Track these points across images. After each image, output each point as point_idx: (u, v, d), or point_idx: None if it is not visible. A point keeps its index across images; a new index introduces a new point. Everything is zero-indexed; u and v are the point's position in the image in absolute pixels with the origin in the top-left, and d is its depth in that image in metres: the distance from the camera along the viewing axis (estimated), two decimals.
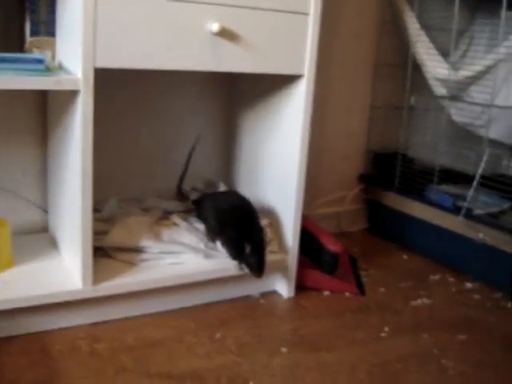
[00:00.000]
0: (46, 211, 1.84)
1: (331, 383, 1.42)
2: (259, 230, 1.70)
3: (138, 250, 1.68)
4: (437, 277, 2.10)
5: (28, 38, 1.56)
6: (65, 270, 1.60)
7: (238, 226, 1.68)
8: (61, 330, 1.53)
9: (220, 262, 1.71)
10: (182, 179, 2.00)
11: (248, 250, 1.64)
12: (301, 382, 1.42)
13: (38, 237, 1.81)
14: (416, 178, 2.23)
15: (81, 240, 1.47)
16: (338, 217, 2.49)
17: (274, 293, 1.86)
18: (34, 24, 1.57)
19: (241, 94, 2.03)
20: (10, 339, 1.47)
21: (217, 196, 1.88)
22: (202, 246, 1.74)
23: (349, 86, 2.39)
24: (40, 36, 1.57)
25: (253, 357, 1.50)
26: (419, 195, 2.24)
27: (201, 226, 1.81)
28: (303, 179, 1.76)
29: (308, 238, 1.91)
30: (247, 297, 1.80)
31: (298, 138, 1.73)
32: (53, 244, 1.76)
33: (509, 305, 1.91)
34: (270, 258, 1.72)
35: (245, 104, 2.00)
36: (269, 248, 1.80)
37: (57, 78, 1.38)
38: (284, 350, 1.55)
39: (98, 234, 1.65)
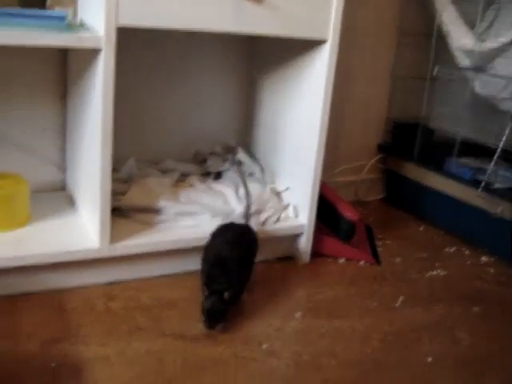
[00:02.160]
0: (64, 169, 1.84)
1: (343, 349, 1.43)
2: (233, 277, 1.45)
3: (155, 211, 1.69)
4: (453, 249, 2.09)
5: None
6: (82, 228, 1.61)
7: (213, 266, 1.47)
8: (77, 288, 1.55)
9: None
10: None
11: (206, 293, 1.42)
12: (313, 346, 1.43)
13: (56, 195, 1.82)
14: (436, 150, 2.21)
15: (99, 199, 1.48)
16: (356, 185, 2.48)
17: (290, 258, 1.86)
18: None
19: (263, 58, 2.01)
20: (26, 295, 1.48)
21: (223, 230, 1.60)
22: (219, 205, 1.74)
23: (371, 54, 2.36)
24: None
25: (267, 320, 1.51)
26: (438, 167, 2.22)
27: (218, 187, 1.81)
28: (323, 146, 1.75)
29: (325, 205, 1.90)
30: (263, 261, 1.80)
31: (319, 104, 1.71)
32: (70, 202, 1.77)
33: None
34: (288, 223, 1.71)
35: (266, 68, 1.98)
36: (284, 214, 1.80)
37: (79, 35, 1.37)
38: (298, 315, 1.56)
39: (115, 194, 1.65)
